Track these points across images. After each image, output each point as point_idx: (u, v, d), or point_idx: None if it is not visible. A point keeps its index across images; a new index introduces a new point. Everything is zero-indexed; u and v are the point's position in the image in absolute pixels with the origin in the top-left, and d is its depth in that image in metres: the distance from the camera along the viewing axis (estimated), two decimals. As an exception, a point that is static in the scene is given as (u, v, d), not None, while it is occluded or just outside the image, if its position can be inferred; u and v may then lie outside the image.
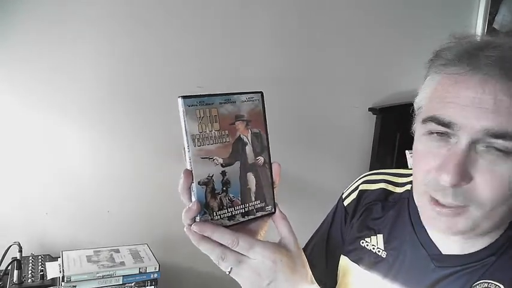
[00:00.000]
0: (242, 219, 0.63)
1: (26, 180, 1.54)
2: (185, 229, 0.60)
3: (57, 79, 1.52)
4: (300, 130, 1.99)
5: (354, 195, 0.87)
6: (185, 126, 0.57)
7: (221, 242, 0.60)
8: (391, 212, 0.80)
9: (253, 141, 0.63)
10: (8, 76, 1.46)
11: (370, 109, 2.11)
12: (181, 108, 0.57)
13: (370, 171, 0.91)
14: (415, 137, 0.71)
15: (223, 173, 0.61)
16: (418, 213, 0.74)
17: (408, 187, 0.82)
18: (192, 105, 0.58)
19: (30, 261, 1.47)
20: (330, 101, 2.03)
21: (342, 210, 0.88)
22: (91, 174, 1.62)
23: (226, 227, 0.62)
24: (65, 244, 1.55)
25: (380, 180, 0.86)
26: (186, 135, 0.57)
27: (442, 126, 0.63)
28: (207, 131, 0.59)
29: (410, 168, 0.74)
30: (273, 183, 0.65)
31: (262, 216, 0.65)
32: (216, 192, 0.60)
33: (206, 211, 0.60)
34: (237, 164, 0.62)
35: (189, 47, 1.69)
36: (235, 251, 0.60)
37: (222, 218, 0.61)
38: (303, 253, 0.66)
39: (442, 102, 0.63)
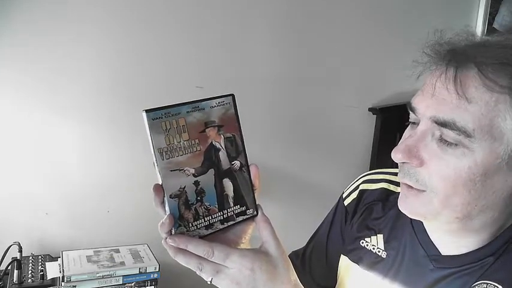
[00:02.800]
0: (221, 227, 0.63)
1: (26, 180, 1.54)
2: (162, 242, 0.60)
3: (57, 80, 1.52)
4: (300, 130, 1.99)
5: (354, 195, 0.87)
6: (151, 141, 0.57)
7: (196, 254, 0.60)
8: (392, 212, 0.80)
9: (227, 146, 0.62)
10: (9, 76, 1.46)
11: (370, 109, 2.11)
12: (146, 123, 0.57)
13: (370, 171, 0.91)
14: None
15: (196, 183, 0.60)
16: None
17: None
18: (157, 118, 0.57)
19: (30, 261, 1.47)
20: (330, 101, 2.03)
21: (343, 210, 0.88)
22: (91, 174, 1.62)
23: (205, 236, 0.61)
24: (65, 244, 1.55)
25: (381, 180, 0.86)
26: (153, 150, 0.57)
27: (411, 111, 0.66)
28: (175, 143, 0.58)
29: None
30: (252, 186, 0.64)
31: (244, 221, 0.65)
32: (190, 203, 0.60)
33: (181, 223, 0.59)
34: (211, 172, 0.61)
35: (189, 47, 1.69)
36: (212, 261, 0.60)
37: (198, 228, 0.61)
38: (287, 256, 0.66)
39: (418, 92, 0.67)
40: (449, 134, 0.61)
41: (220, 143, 0.61)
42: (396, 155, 0.65)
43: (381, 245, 0.80)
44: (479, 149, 0.60)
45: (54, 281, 1.38)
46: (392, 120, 2.07)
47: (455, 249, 0.71)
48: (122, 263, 1.43)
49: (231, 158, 0.62)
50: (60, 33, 1.50)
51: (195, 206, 0.60)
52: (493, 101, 0.59)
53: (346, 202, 0.88)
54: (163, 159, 0.57)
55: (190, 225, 0.60)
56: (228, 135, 0.62)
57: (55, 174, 1.57)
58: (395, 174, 0.85)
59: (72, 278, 1.32)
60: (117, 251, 1.50)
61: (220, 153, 0.61)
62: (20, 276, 1.36)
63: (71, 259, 1.42)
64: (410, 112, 0.67)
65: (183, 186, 0.59)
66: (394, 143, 0.70)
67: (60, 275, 1.34)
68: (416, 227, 0.76)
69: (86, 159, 1.61)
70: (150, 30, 1.62)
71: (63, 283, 1.31)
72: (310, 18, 1.90)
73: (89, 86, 1.57)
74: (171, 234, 0.60)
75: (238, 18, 1.77)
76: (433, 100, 0.62)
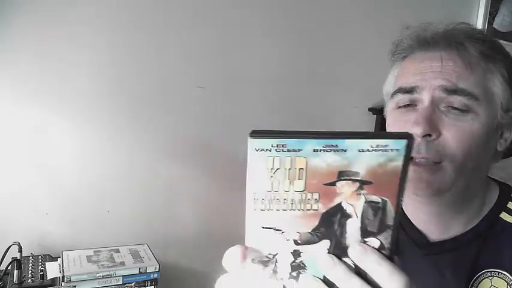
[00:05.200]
0: None
1: (26, 180, 1.54)
2: None
3: (56, 80, 1.52)
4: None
5: None
6: (248, 178, 0.39)
7: None
8: None
9: (366, 215, 0.41)
10: (8, 78, 1.46)
11: (370, 109, 2.11)
12: (248, 150, 0.38)
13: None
14: (386, 119, 0.78)
15: (296, 253, 0.42)
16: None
17: None
18: (263, 150, 0.38)
19: (30, 261, 1.46)
20: (330, 101, 2.03)
21: None
22: (91, 174, 1.62)
23: None
24: (65, 244, 1.55)
25: None
26: (247, 191, 0.39)
27: (407, 93, 0.71)
28: (281, 191, 0.39)
29: None
30: None
31: None
32: (279, 277, 0.43)
33: None
34: (325, 244, 0.42)
35: (189, 47, 1.69)
36: None
37: None
38: None
39: (406, 76, 0.72)
40: (459, 101, 0.67)
41: (355, 206, 0.41)
42: (418, 129, 0.66)
43: None
44: (482, 111, 0.68)
45: (54, 281, 1.37)
46: (392, 120, 2.07)
47: (441, 235, 0.74)
48: (122, 263, 1.43)
49: (365, 233, 0.42)
50: (60, 34, 1.49)
51: (286, 283, 0.43)
52: (485, 68, 0.69)
53: None
54: (255, 209, 0.40)
55: None
56: (375, 199, 0.41)
57: (55, 174, 1.57)
58: None
59: (72, 278, 1.32)
60: (117, 251, 1.50)
61: (350, 221, 0.42)
62: (20, 276, 1.36)
63: (71, 259, 1.42)
64: (404, 95, 0.71)
65: (274, 253, 0.42)
66: (394, 143, 0.71)
67: (60, 275, 1.33)
68: (402, 218, 0.78)
69: (86, 159, 1.61)
70: (149, 30, 1.62)
71: (63, 283, 1.31)
72: (310, 18, 1.90)
73: (88, 87, 1.56)
74: None
75: (238, 18, 1.77)
76: (441, 71, 0.69)
